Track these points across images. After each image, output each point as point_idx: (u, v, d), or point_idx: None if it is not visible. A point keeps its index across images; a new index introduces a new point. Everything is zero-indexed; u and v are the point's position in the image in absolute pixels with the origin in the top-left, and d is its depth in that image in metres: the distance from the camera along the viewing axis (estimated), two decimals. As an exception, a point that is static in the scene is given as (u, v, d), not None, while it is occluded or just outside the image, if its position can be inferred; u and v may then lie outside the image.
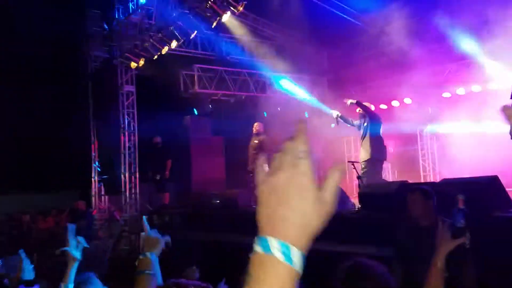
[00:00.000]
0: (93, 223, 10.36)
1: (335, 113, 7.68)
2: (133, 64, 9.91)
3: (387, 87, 10.37)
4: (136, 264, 1.73)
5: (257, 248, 0.67)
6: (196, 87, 10.62)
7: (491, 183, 4.46)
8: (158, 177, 9.67)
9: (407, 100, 10.45)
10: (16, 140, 11.61)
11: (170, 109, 10.67)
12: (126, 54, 9.95)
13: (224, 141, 11.40)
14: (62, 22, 10.27)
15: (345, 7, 9.96)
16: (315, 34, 10.58)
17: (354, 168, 6.89)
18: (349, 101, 7.51)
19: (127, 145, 10.66)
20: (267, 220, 0.68)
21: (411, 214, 3.43)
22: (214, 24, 8.44)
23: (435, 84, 9.72)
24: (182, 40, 9.17)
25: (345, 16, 10.12)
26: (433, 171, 10.86)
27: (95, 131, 11.19)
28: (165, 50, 9.34)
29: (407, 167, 10.76)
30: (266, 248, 0.66)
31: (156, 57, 9.58)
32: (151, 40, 9.32)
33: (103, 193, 11.15)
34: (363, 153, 7.34)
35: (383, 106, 10.81)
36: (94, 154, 11.14)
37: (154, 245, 1.79)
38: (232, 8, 8.13)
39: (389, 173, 10.51)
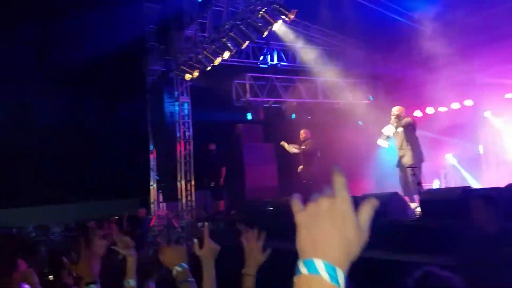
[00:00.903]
0: (149, 229, 10.77)
1: (387, 131, 7.33)
2: (188, 76, 10.22)
3: (445, 89, 9.88)
4: (174, 275, 1.86)
5: (303, 269, 0.69)
6: (248, 95, 10.78)
7: None
8: (212, 184, 9.88)
9: (468, 102, 9.92)
10: (82, 151, 12.36)
11: (223, 117, 10.90)
12: (181, 66, 10.28)
13: (276, 148, 11.44)
14: (123, 37, 10.89)
15: (398, 8, 9.67)
16: (368, 38, 10.37)
17: (414, 174, 6.65)
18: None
19: (183, 153, 11.03)
20: (311, 243, 0.71)
21: (475, 221, 3.26)
22: (266, 33, 8.47)
23: (498, 85, 9.14)
24: (235, 51, 9.33)
25: (398, 17, 9.82)
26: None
27: (154, 141, 11.69)
28: (218, 61, 9.52)
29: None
30: (313, 269, 0.68)
31: (209, 68, 9.83)
32: (204, 52, 9.55)
33: (161, 200, 11.59)
34: (406, 158, 7.14)
35: (442, 109, 10.33)
36: (152, 163, 11.64)
37: (211, 251, 1.96)
38: (283, 16, 8.08)
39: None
